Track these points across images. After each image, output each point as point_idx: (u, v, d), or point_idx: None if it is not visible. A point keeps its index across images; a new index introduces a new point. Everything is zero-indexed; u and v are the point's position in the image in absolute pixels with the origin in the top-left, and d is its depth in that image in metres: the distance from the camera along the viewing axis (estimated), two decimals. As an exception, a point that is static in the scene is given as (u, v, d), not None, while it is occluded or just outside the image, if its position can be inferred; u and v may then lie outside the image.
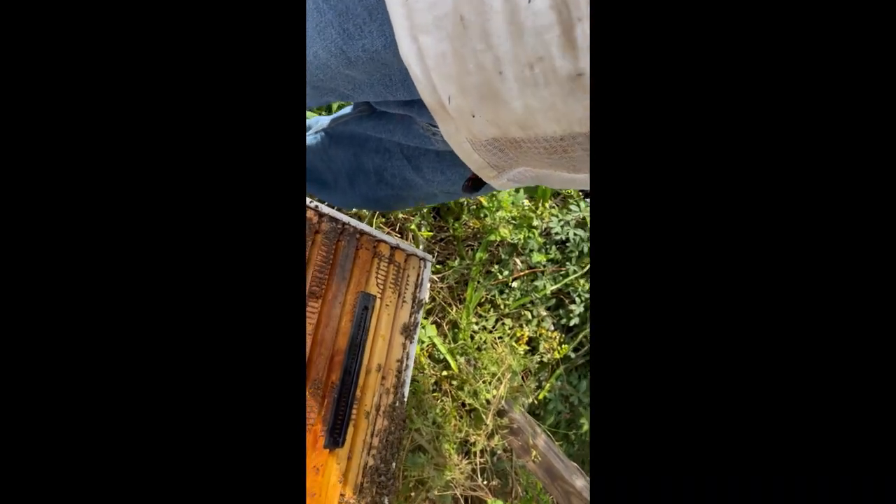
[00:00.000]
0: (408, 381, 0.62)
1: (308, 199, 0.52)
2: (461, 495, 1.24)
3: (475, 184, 0.48)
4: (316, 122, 0.70)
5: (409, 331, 0.63)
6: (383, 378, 0.59)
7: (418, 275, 0.66)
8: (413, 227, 1.16)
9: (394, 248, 0.62)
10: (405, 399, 0.61)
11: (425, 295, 0.65)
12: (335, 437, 0.52)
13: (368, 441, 0.56)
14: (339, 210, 0.59)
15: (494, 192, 1.18)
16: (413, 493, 1.13)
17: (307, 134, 0.69)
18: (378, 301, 0.59)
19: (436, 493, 1.16)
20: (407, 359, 0.62)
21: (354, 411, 0.55)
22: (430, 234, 1.17)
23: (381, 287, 0.60)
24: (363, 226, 0.58)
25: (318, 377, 0.52)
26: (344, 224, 0.56)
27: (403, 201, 0.63)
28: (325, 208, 0.54)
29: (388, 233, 1.10)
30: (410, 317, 0.64)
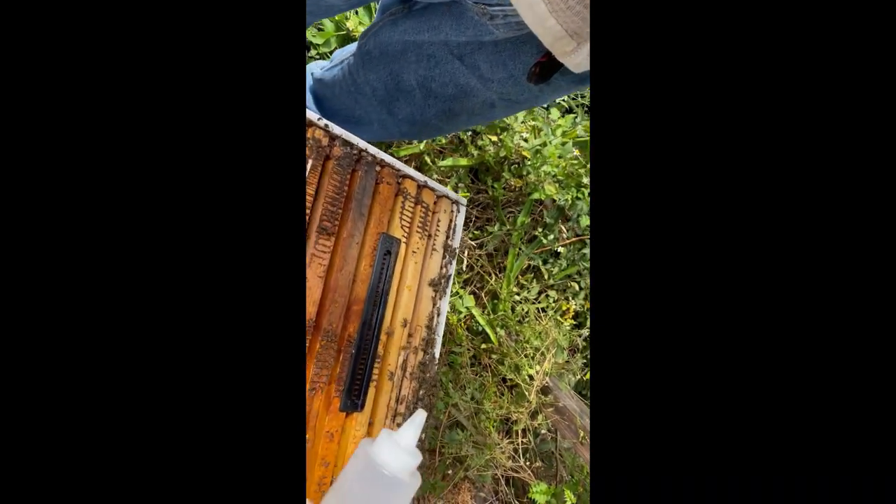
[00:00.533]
0: (439, 339, 0.54)
1: (315, 115, 0.43)
2: (501, 476, 1.16)
3: (543, 70, 0.38)
4: (340, 53, 0.62)
5: (439, 284, 0.54)
6: (410, 336, 0.51)
7: (450, 220, 0.57)
8: (449, 188, 1.07)
9: (421, 186, 0.53)
10: (437, 360, 0.53)
11: (457, 243, 0.56)
12: (353, 399, 0.45)
13: (393, 406, 0.49)
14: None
15: (539, 147, 1.06)
16: (450, 471, 1.06)
17: (331, 68, 0.61)
18: (403, 246, 0.51)
19: (475, 472, 1.09)
20: (438, 315, 0.54)
21: (376, 371, 0.47)
22: (467, 195, 1.07)
23: (407, 230, 0.51)
24: (384, 155, 0.49)
25: (332, 328, 0.44)
26: (361, 150, 0.47)
27: (455, 118, 0.54)
28: (336, 128, 0.45)
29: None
30: (442, 268, 0.55)
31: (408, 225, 0.51)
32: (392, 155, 0.51)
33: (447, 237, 0.56)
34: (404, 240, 0.51)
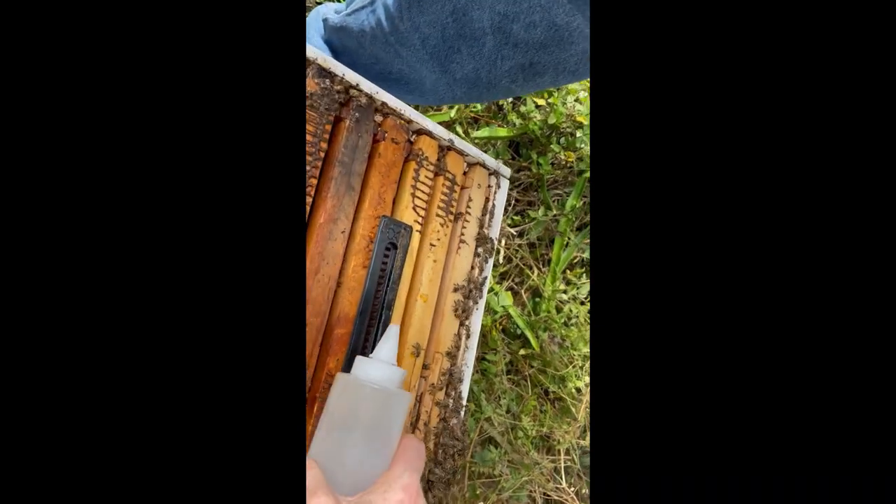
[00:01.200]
0: (468, 373, 0.37)
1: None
2: (540, 496, 1.00)
3: None
4: None
5: (470, 292, 0.37)
6: (425, 368, 0.35)
7: (487, 198, 0.39)
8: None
9: (446, 147, 0.36)
10: (464, 405, 0.36)
11: (496, 231, 0.39)
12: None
13: (397, 474, 0.32)
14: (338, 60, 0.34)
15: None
16: (479, 491, 0.91)
17: (354, 12, 0.44)
18: (416, 236, 0.34)
19: (510, 493, 0.93)
20: (467, 337, 0.37)
21: (372, 424, 0.31)
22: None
23: (423, 213, 0.34)
24: (388, 96, 0.32)
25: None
26: (349, 86, 0.30)
27: (536, 78, 0.38)
28: (308, 47, 0.28)
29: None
30: (473, 268, 0.38)
31: (424, 204, 0.34)
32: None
33: (482, 223, 0.39)
34: (418, 226, 0.34)
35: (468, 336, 0.37)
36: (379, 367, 0.26)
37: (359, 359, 0.27)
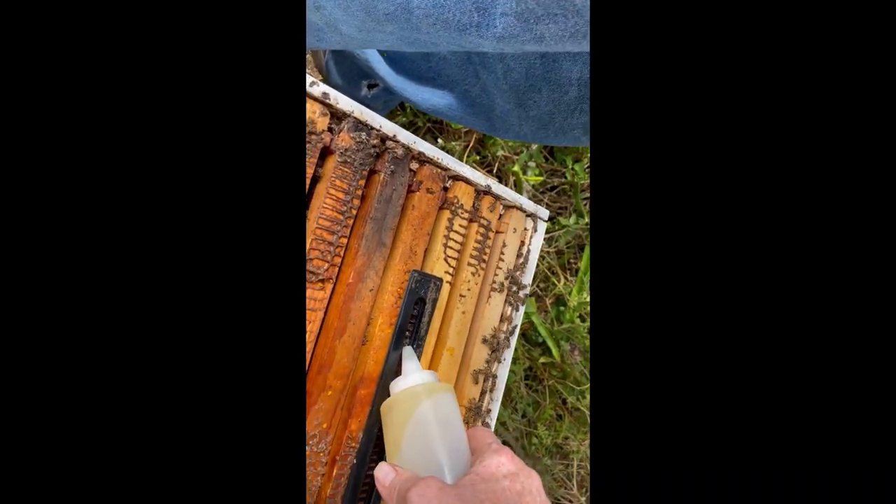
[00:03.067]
0: (491, 428, 0.36)
1: (310, 79, 0.25)
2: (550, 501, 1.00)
3: None
4: None
5: (499, 343, 0.36)
6: (447, 423, 0.34)
7: (522, 243, 0.37)
8: (516, 168, 0.86)
9: (482, 192, 0.34)
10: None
11: (529, 278, 0.37)
12: (351, 529, 0.29)
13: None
14: (374, 107, 0.32)
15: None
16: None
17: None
18: (446, 288, 0.32)
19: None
20: (492, 389, 0.36)
21: (391, 481, 0.31)
22: (539, 179, 0.85)
23: (454, 262, 0.33)
24: (425, 145, 0.30)
25: (321, 428, 0.27)
26: (385, 137, 0.28)
27: None
28: (344, 99, 0.26)
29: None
30: (504, 318, 0.36)
31: (456, 254, 0.33)
32: (435, 131, 0.31)
33: (516, 269, 0.37)
34: (448, 277, 0.32)
35: (493, 388, 0.36)
36: (414, 376, 0.28)
37: (393, 383, 0.28)
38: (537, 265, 0.92)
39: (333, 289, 0.28)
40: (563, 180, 0.90)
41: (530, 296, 0.90)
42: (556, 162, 0.92)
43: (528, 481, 0.24)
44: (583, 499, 0.95)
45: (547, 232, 0.90)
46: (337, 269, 0.27)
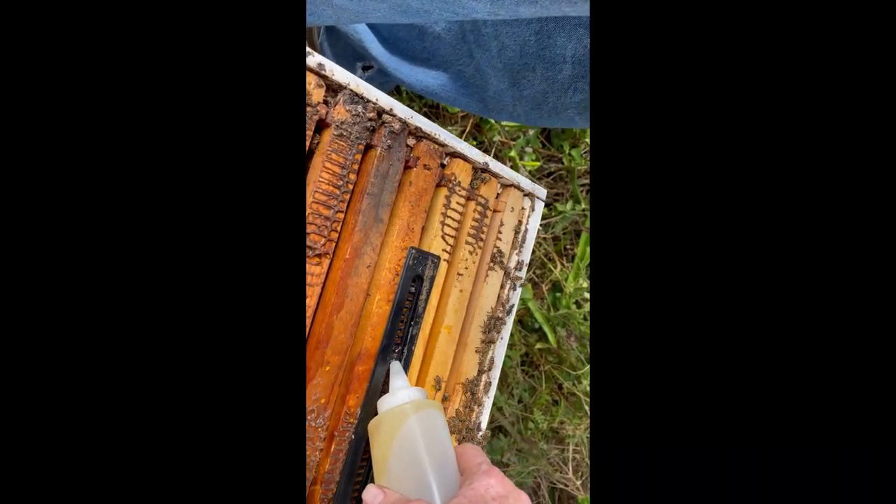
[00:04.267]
0: (488, 405, 0.36)
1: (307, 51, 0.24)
2: (546, 486, 1.02)
3: None
4: None
5: (495, 322, 0.36)
6: (445, 400, 0.34)
7: (520, 222, 0.37)
8: (513, 153, 0.85)
9: (480, 170, 0.34)
10: (482, 440, 0.35)
11: (527, 256, 0.37)
12: (356, 497, 0.29)
13: None
14: (371, 79, 0.31)
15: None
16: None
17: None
18: (444, 266, 0.32)
19: (517, 479, 0.95)
20: (489, 368, 0.36)
21: (389, 457, 0.31)
22: (536, 164, 0.85)
23: (452, 240, 0.33)
24: (423, 120, 0.30)
25: (319, 403, 0.27)
26: (382, 111, 0.28)
27: None
28: (339, 71, 0.26)
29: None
30: (501, 297, 0.36)
31: (453, 232, 0.33)
32: (431, 116, 0.31)
33: (514, 248, 0.37)
34: (446, 255, 0.32)
35: (491, 367, 0.36)
36: (401, 393, 0.27)
37: (380, 400, 0.27)
38: (534, 251, 0.92)
39: (330, 264, 0.28)
40: (560, 165, 0.90)
41: (527, 282, 0.90)
42: (553, 147, 0.91)
43: None
44: (578, 482, 0.96)
45: (543, 218, 0.90)
46: (334, 244, 0.27)
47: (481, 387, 0.35)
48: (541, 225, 0.91)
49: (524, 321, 0.92)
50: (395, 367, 0.29)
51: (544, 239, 0.92)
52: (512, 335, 0.93)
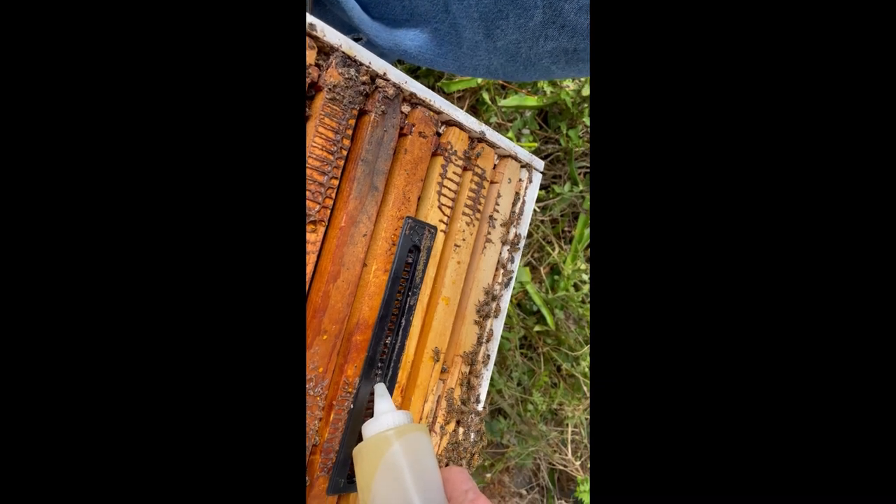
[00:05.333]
0: (487, 377, 0.36)
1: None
2: (546, 467, 1.03)
3: None
4: None
5: (493, 295, 0.36)
6: (444, 372, 0.34)
7: (517, 193, 0.37)
8: (510, 135, 0.84)
9: (476, 139, 0.33)
10: (482, 412, 0.35)
11: (525, 229, 0.37)
12: (350, 475, 0.29)
13: (412, 476, 0.33)
14: (365, 43, 0.31)
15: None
16: (487, 462, 0.94)
17: None
18: (441, 237, 0.32)
19: (516, 461, 0.96)
20: (488, 340, 0.36)
21: (388, 428, 0.31)
22: (533, 146, 0.84)
23: (448, 211, 0.32)
24: (417, 85, 0.29)
25: (317, 373, 0.27)
26: (375, 75, 0.28)
27: (582, 62, 0.35)
28: (331, 32, 0.25)
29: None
30: (498, 268, 0.36)
31: (450, 202, 0.32)
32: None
33: (511, 220, 0.36)
34: (443, 226, 0.32)
35: (490, 339, 0.36)
36: (384, 418, 0.26)
37: (365, 425, 0.27)
38: (531, 234, 0.91)
39: (326, 233, 0.27)
40: (557, 147, 0.89)
41: (525, 266, 0.90)
42: (550, 129, 0.91)
43: None
44: (577, 463, 0.97)
45: (541, 200, 0.89)
46: (329, 211, 0.27)
47: (480, 358, 0.35)
48: (539, 208, 0.90)
49: (522, 304, 0.92)
50: (380, 389, 0.28)
51: (542, 221, 0.92)
52: (510, 318, 0.93)
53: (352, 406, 0.29)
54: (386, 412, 0.27)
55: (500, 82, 0.82)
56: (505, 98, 0.82)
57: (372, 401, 0.30)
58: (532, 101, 0.83)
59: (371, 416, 0.28)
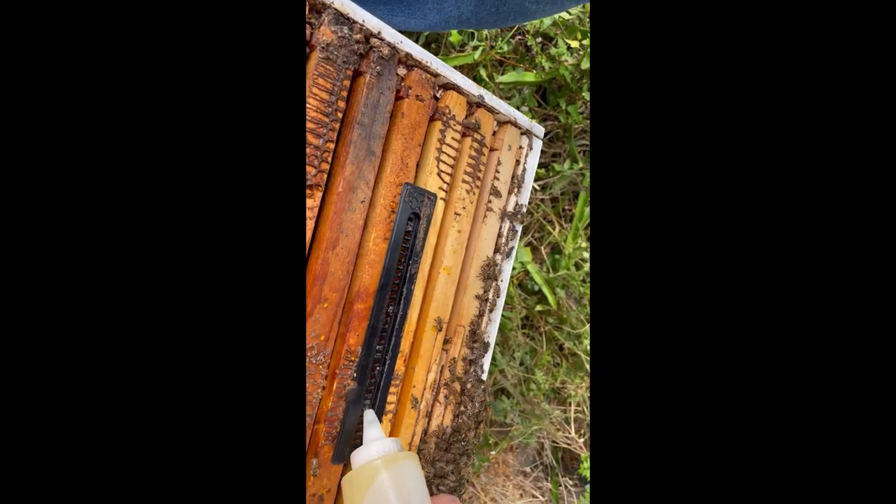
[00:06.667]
0: (491, 346, 0.36)
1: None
2: (549, 445, 1.04)
3: None
4: None
5: (495, 264, 0.35)
6: (446, 342, 0.33)
7: (517, 161, 0.36)
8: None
9: (475, 103, 0.33)
10: (485, 379, 0.35)
11: (526, 197, 0.36)
12: (355, 443, 0.29)
13: (417, 446, 0.32)
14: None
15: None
16: (491, 440, 0.95)
17: None
18: (441, 205, 0.31)
19: (520, 440, 0.97)
20: (490, 310, 0.35)
21: (392, 398, 0.31)
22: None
23: (448, 178, 0.32)
24: (412, 45, 0.28)
25: (319, 341, 0.27)
26: (369, 34, 0.27)
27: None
28: (321, -11, 0.25)
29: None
30: (500, 237, 0.36)
31: (449, 169, 0.32)
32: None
33: (512, 189, 0.36)
34: (443, 193, 0.31)
35: (492, 309, 0.35)
36: (373, 447, 0.26)
37: (353, 454, 0.27)
38: (532, 214, 0.91)
39: (323, 199, 0.27)
40: (557, 124, 0.88)
41: (526, 246, 0.90)
42: (549, 106, 0.89)
43: None
44: (581, 441, 0.98)
45: (541, 179, 0.88)
46: (325, 176, 0.26)
47: (483, 327, 0.34)
48: (539, 186, 0.89)
49: (524, 284, 0.92)
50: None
51: (542, 201, 0.91)
52: (512, 298, 0.93)
53: (354, 375, 0.28)
54: (374, 440, 0.26)
55: (498, 58, 0.81)
56: (503, 74, 0.81)
57: (374, 368, 0.30)
58: (530, 76, 0.82)
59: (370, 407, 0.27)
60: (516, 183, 0.36)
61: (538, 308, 0.94)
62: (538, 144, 0.36)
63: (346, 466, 0.30)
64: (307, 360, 0.26)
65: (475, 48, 0.76)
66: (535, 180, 0.88)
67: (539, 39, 0.84)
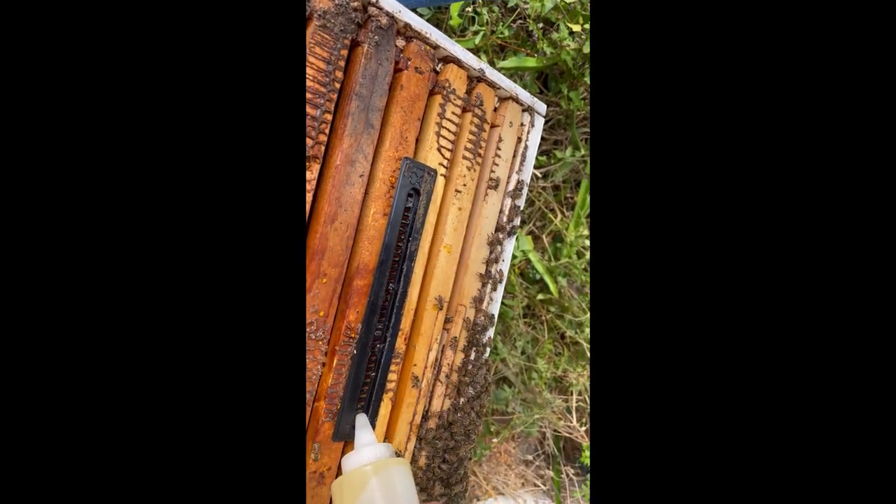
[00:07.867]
0: (491, 329, 0.35)
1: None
2: (551, 434, 1.04)
3: None
4: None
5: (497, 243, 0.35)
6: (447, 321, 0.33)
7: (519, 139, 0.35)
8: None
9: (476, 78, 0.32)
10: (487, 357, 0.35)
11: (527, 175, 0.36)
12: (354, 422, 0.28)
13: (418, 425, 0.32)
14: None
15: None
16: (493, 428, 0.95)
17: None
18: (441, 181, 0.31)
19: (521, 429, 0.97)
20: (493, 288, 0.35)
21: (393, 376, 0.30)
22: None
23: (448, 154, 0.31)
24: (412, 15, 0.28)
25: (318, 317, 0.26)
26: (366, 3, 0.26)
27: None
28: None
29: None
30: (501, 215, 0.35)
31: (449, 145, 0.31)
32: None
33: (513, 166, 0.35)
34: (443, 170, 0.31)
35: (494, 288, 0.35)
36: (364, 452, 0.26)
37: (345, 458, 0.27)
38: (533, 202, 0.90)
39: (321, 172, 0.26)
40: (558, 110, 0.87)
41: (528, 235, 0.89)
42: (551, 92, 0.88)
43: None
44: (582, 430, 0.98)
45: (543, 166, 0.88)
46: (323, 148, 0.26)
47: (484, 304, 0.34)
48: (541, 174, 0.89)
49: (525, 273, 0.92)
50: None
51: (544, 188, 0.90)
52: (513, 286, 0.93)
53: (355, 351, 0.28)
54: (366, 445, 0.27)
55: (499, 43, 0.80)
56: (504, 59, 0.80)
57: (375, 346, 0.29)
58: (532, 62, 0.81)
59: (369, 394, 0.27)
60: (518, 160, 0.35)
61: (540, 297, 0.94)
62: (540, 122, 0.36)
63: (347, 445, 0.29)
64: (307, 335, 0.26)
65: (476, 33, 0.75)
66: (537, 168, 0.87)
67: (541, 24, 0.83)
